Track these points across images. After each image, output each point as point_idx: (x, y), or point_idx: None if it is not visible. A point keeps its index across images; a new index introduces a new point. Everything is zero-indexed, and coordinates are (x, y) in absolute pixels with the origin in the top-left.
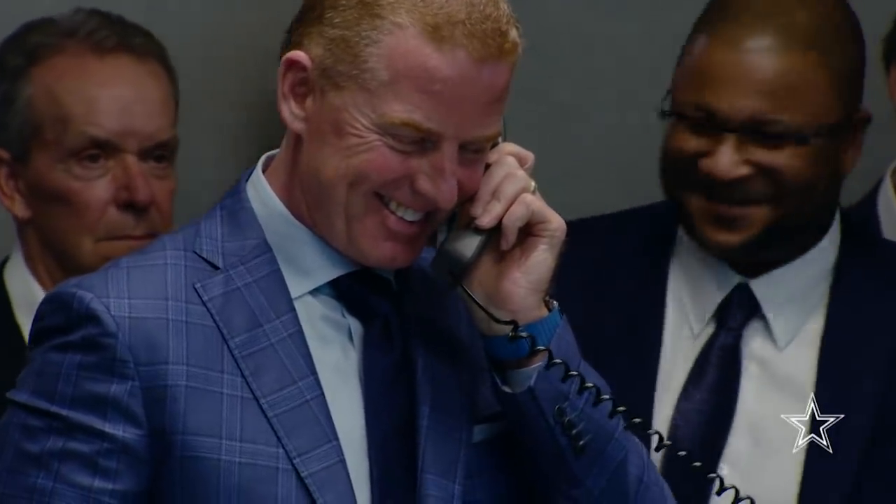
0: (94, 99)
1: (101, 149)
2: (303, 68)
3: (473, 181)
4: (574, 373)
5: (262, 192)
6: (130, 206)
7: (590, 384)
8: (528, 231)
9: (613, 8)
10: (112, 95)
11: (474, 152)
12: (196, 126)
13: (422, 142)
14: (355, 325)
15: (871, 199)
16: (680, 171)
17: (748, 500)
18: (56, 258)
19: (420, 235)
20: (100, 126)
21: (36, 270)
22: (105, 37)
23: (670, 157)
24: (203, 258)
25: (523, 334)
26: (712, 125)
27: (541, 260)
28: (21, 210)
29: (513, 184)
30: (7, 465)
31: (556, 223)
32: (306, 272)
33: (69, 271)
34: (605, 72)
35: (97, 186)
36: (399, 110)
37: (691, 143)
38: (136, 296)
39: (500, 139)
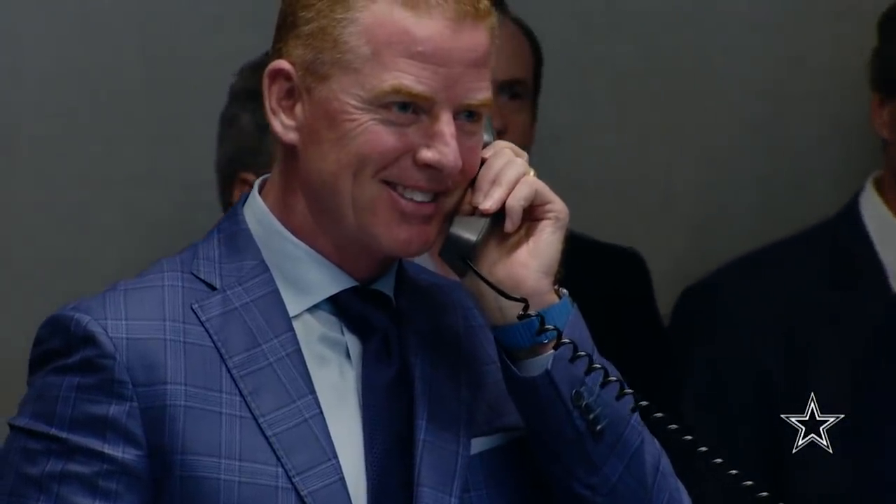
0: None
1: None
2: (287, 76)
3: (472, 158)
4: (582, 353)
5: (258, 213)
6: None
7: (598, 365)
8: (532, 215)
9: (607, 30)
10: None
11: (469, 122)
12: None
13: (415, 113)
14: (353, 342)
15: (851, 211)
16: None
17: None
18: None
19: (432, 218)
20: None
21: None
22: None
23: None
24: (200, 279)
25: (532, 313)
26: None
27: (549, 242)
28: None
29: (513, 169)
30: (8, 489)
31: (560, 205)
32: (305, 289)
33: None
34: (599, 94)
35: None
36: (388, 78)
37: None
38: (134, 317)
39: (492, 139)
